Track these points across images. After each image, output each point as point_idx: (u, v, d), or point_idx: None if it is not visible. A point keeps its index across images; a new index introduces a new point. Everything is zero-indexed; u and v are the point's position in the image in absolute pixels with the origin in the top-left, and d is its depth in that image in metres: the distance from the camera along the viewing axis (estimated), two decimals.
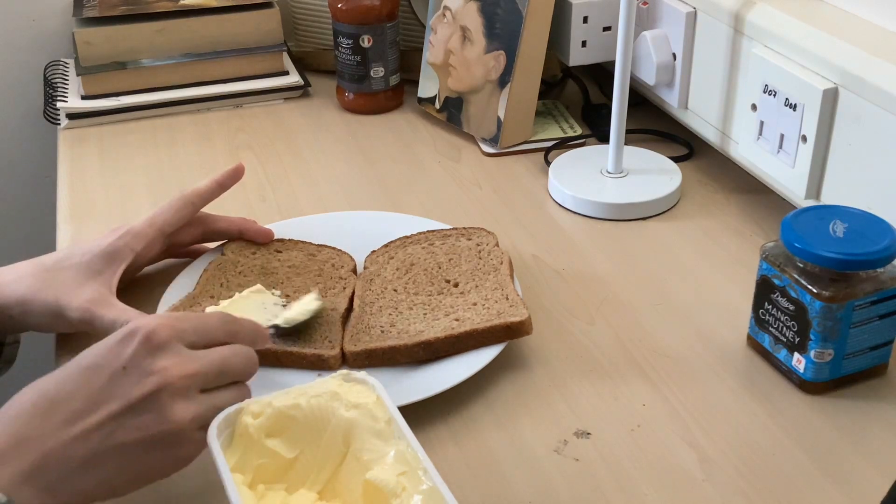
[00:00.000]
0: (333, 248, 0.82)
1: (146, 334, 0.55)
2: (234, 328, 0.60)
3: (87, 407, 0.53)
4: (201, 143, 1.08)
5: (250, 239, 0.82)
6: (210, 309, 0.73)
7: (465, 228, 0.83)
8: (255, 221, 0.83)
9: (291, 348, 0.70)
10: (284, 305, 0.75)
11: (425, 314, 0.73)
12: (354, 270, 0.80)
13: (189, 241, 0.82)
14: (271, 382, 0.69)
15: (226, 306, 0.74)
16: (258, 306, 0.75)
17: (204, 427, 0.55)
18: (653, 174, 0.95)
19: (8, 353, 0.75)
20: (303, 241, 0.83)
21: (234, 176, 0.82)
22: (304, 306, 0.73)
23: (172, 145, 1.07)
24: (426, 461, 0.52)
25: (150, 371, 0.54)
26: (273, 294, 0.76)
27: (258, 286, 0.76)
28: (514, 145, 1.04)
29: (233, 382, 0.58)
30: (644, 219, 0.91)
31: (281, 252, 0.82)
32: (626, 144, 0.94)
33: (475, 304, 0.73)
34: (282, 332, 0.71)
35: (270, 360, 0.70)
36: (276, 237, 0.83)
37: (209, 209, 0.82)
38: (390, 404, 0.56)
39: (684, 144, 1.03)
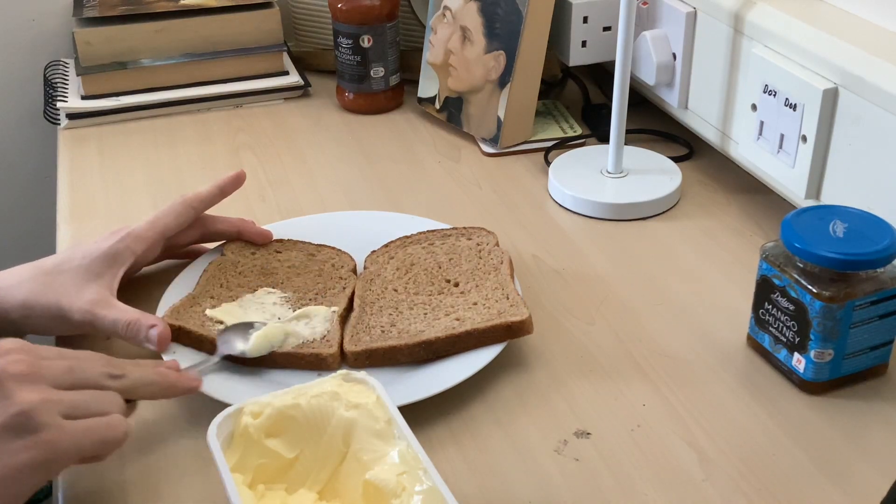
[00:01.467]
0: (333, 248, 0.82)
1: None
2: (104, 372, 0.59)
3: None
4: (201, 143, 1.08)
5: (249, 240, 0.82)
6: (210, 312, 0.73)
7: (465, 228, 0.83)
8: (253, 222, 0.83)
9: (290, 349, 0.70)
10: (284, 305, 0.75)
11: (426, 314, 0.73)
12: (354, 270, 0.80)
13: (188, 243, 0.82)
14: (271, 382, 0.69)
15: (227, 308, 0.74)
16: (257, 306, 0.75)
17: (68, 416, 0.53)
18: (653, 174, 0.95)
19: None
20: (302, 241, 0.83)
21: (236, 182, 0.82)
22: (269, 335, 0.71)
23: (172, 145, 1.07)
24: (426, 461, 0.52)
25: None
26: (272, 293, 0.76)
27: (267, 289, 0.76)
28: (514, 145, 1.04)
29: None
30: (644, 219, 0.91)
31: (281, 252, 0.82)
32: (626, 144, 0.94)
33: (475, 303, 0.73)
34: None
35: (269, 360, 0.70)
36: (275, 237, 0.83)
37: (211, 210, 0.82)
38: (390, 404, 0.56)
39: (684, 144, 1.03)
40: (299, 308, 0.75)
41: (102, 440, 0.55)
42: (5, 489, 0.51)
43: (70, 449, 0.53)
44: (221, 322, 0.72)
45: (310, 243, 0.83)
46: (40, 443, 0.52)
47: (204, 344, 0.71)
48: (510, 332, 0.70)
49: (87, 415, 0.55)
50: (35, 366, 0.54)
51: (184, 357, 0.69)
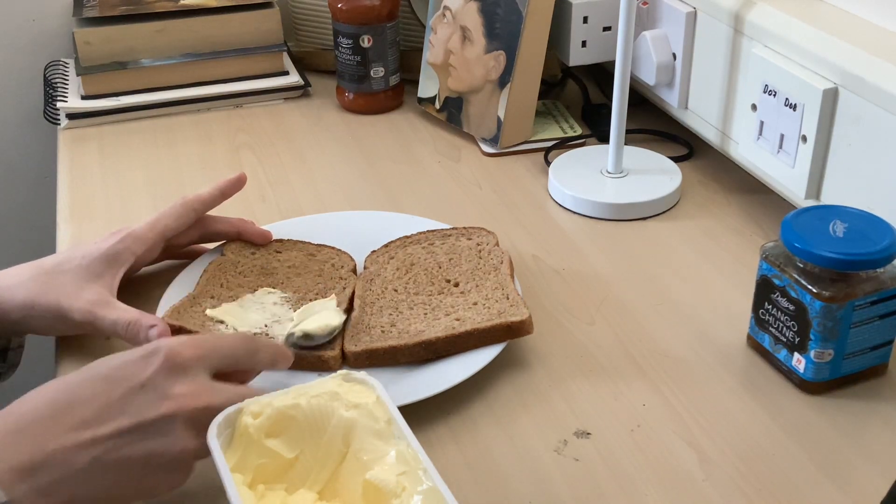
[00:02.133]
0: (333, 248, 0.82)
1: (169, 354, 0.55)
2: (254, 346, 0.61)
3: (98, 416, 0.53)
4: (201, 143, 1.08)
5: (248, 240, 0.82)
6: (211, 311, 0.73)
7: (465, 228, 0.83)
8: (253, 223, 0.83)
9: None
10: (284, 305, 0.75)
11: (426, 314, 0.73)
12: (354, 270, 0.80)
13: (187, 243, 0.82)
14: (271, 382, 0.69)
15: (227, 308, 0.74)
16: (258, 306, 0.75)
17: (202, 457, 0.56)
18: (653, 174, 0.95)
19: (12, 357, 0.75)
20: (302, 241, 0.83)
21: (237, 184, 0.83)
22: (326, 321, 0.71)
23: (172, 145, 1.07)
24: (426, 461, 0.52)
25: (168, 395, 0.54)
26: (272, 293, 0.76)
27: (267, 289, 0.76)
28: (514, 145, 1.04)
29: None
30: (644, 219, 0.91)
31: (281, 252, 0.82)
32: (626, 144, 0.94)
33: (476, 303, 0.73)
34: (299, 345, 0.70)
35: None
36: (275, 237, 0.83)
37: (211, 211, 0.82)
38: (390, 404, 0.56)
39: (684, 144, 1.03)
40: (299, 308, 0.74)
41: None
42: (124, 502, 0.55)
43: None
44: (222, 321, 0.72)
45: (310, 243, 0.83)
46: (176, 483, 0.56)
47: None
48: (510, 332, 0.70)
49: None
50: (204, 410, 0.55)
51: None
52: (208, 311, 0.73)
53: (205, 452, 0.55)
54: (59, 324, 0.71)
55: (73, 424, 0.52)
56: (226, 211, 0.83)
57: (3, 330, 0.72)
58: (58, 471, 0.51)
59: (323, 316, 0.72)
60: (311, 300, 0.76)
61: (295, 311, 0.74)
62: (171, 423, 0.54)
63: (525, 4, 0.98)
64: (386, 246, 0.82)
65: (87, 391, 0.54)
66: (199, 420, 0.55)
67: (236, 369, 0.60)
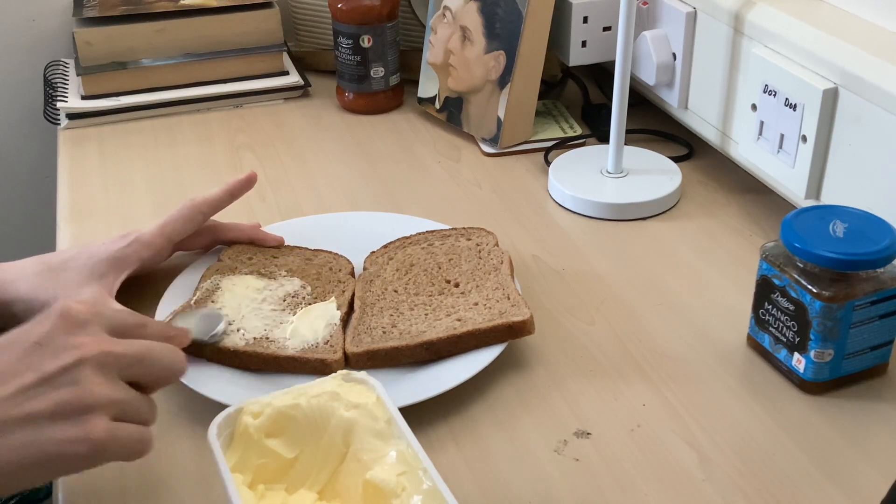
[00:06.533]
0: (330, 252, 0.82)
1: (63, 311, 0.52)
2: (142, 320, 0.58)
3: None
4: (201, 143, 1.08)
5: (261, 245, 0.82)
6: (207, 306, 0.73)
7: (464, 228, 0.83)
8: (259, 225, 0.83)
9: (294, 353, 0.70)
10: (284, 311, 0.75)
11: (426, 314, 0.73)
12: (352, 273, 0.80)
13: (197, 248, 0.82)
14: (271, 383, 0.69)
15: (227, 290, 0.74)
16: (250, 302, 0.75)
17: (118, 418, 0.52)
18: (653, 174, 0.95)
19: None
20: (299, 247, 0.83)
21: (246, 184, 0.82)
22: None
23: (172, 145, 1.07)
24: (426, 461, 0.52)
25: (68, 345, 0.51)
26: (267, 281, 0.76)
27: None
28: (514, 145, 1.04)
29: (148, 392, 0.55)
30: (644, 219, 0.91)
31: (277, 258, 0.81)
32: (626, 144, 0.94)
33: (476, 303, 0.73)
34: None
35: (272, 365, 0.70)
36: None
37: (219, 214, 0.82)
38: (390, 404, 0.56)
39: (684, 144, 1.03)
40: (298, 311, 0.74)
41: (132, 452, 0.53)
42: (40, 472, 0.50)
43: (108, 455, 0.52)
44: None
45: (307, 248, 0.82)
46: (88, 440, 0.50)
47: (203, 350, 0.70)
48: (512, 333, 0.70)
49: (133, 420, 0.54)
50: (110, 354, 0.52)
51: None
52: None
53: (119, 409, 0.52)
54: None
55: None
56: (225, 211, 0.83)
57: (4, 322, 0.72)
58: None
59: (321, 316, 0.73)
60: (309, 304, 0.76)
61: (294, 314, 0.74)
62: (77, 370, 0.51)
63: (525, 4, 0.98)
64: (385, 247, 0.82)
65: None
66: (107, 366, 0.52)
67: (127, 337, 0.55)
